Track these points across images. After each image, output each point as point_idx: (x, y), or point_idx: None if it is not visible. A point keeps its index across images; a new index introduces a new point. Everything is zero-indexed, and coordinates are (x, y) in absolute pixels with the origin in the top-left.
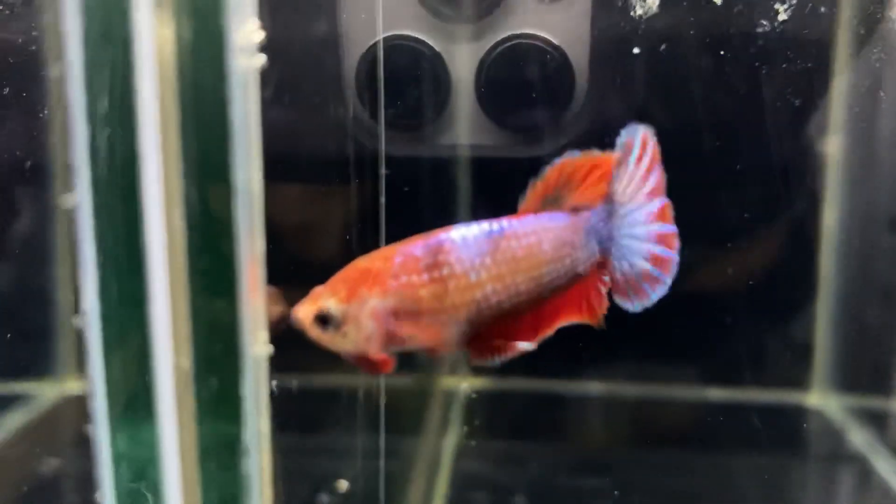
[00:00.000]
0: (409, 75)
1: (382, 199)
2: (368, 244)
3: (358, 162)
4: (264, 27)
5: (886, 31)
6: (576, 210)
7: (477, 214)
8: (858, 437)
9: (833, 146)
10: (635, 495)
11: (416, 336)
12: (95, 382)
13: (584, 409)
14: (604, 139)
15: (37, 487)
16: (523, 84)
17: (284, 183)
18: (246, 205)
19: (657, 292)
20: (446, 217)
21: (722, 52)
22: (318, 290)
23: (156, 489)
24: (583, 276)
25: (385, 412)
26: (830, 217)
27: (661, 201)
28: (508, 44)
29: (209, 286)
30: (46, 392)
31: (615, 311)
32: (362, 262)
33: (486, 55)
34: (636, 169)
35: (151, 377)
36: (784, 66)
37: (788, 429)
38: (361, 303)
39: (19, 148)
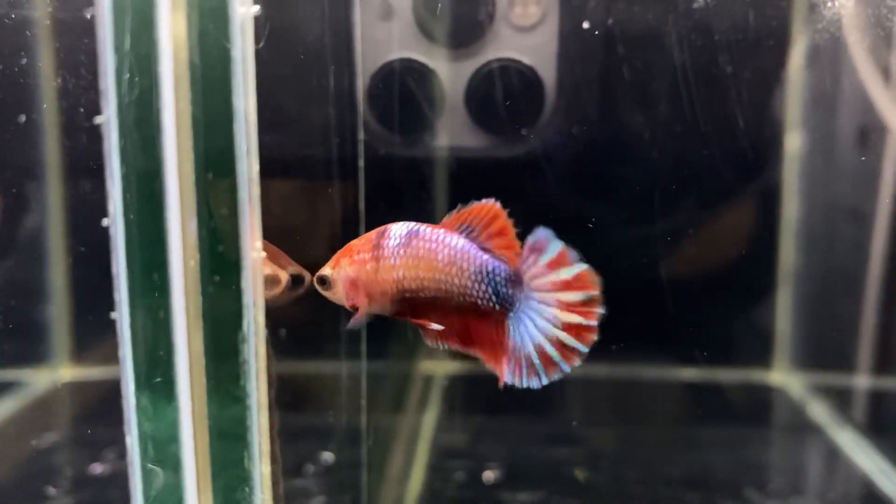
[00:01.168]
0: (411, 91)
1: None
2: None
3: (367, 163)
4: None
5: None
6: (485, 250)
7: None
8: (818, 412)
9: (792, 140)
10: (605, 463)
11: (364, 299)
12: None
13: (557, 391)
14: (567, 142)
15: (29, 470)
16: (504, 97)
17: (300, 182)
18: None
19: (526, 380)
20: (439, 204)
21: (679, 61)
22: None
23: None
24: (487, 316)
25: (368, 395)
26: (791, 209)
27: (570, 318)
28: (492, 65)
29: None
30: (40, 380)
31: None
32: (352, 241)
33: (474, 74)
34: (542, 267)
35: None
36: (742, 67)
37: (753, 405)
38: (339, 270)
39: (8, 143)
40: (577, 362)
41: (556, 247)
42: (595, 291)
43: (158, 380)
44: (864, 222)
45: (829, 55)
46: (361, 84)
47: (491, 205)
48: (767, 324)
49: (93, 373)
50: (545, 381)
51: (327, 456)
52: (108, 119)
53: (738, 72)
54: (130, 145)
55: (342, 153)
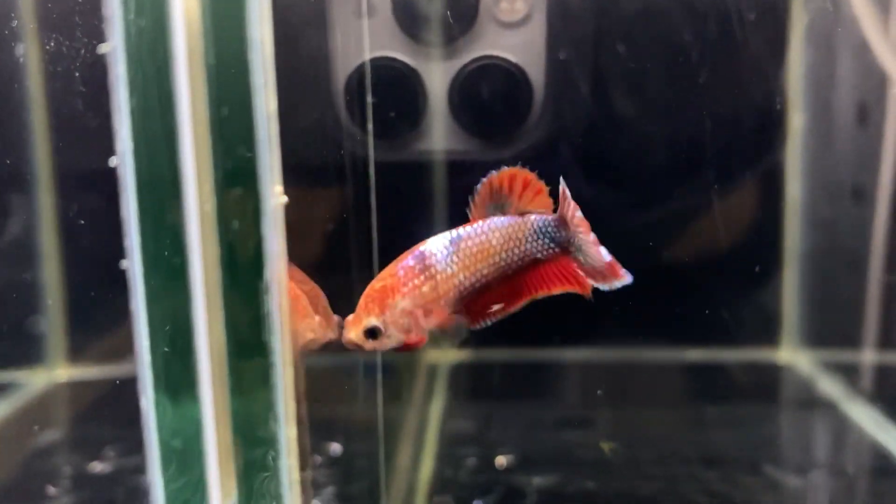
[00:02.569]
0: (391, 91)
1: (373, 198)
2: (361, 234)
3: (349, 166)
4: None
5: None
6: (522, 214)
7: (450, 209)
8: (828, 387)
9: (795, 120)
10: (619, 444)
11: (430, 320)
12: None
13: (567, 374)
14: (558, 143)
15: (28, 469)
16: (490, 98)
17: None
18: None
19: (618, 280)
20: (424, 211)
21: (675, 45)
22: (353, 316)
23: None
24: (548, 260)
25: (385, 384)
26: (795, 188)
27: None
28: (477, 63)
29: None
30: (36, 380)
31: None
32: (377, 284)
33: (457, 73)
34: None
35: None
36: (739, 48)
37: (763, 384)
38: (392, 310)
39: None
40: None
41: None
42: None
43: (170, 327)
44: (867, 199)
45: (826, 32)
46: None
47: (511, 171)
48: (774, 303)
49: (90, 373)
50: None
51: (335, 447)
52: (115, 48)
53: (735, 54)
54: (140, 77)
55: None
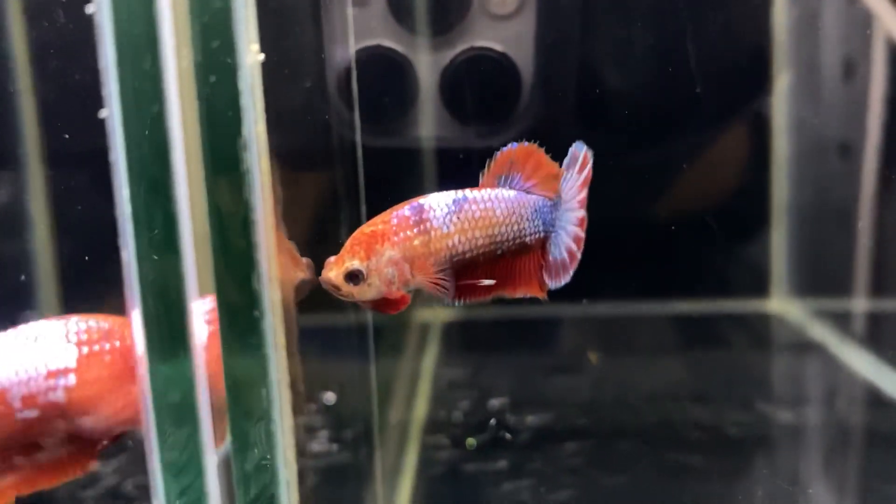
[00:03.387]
0: (385, 79)
1: (361, 181)
2: (351, 216)
3: (341, 151)
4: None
5: None
6: (527, 191)
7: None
8: (817, 332)
9: (781, 77)
10: (609, 386)
11: (415, 277)
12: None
13: (559, 328)
14: (546, 132)
15: None
16: (480, 87)
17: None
18: None
19: (563, 280)
20: (413, 195)
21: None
22: (336, 257)
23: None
24: (529, 248)
25: (377, 340)
26: (782, 144)
27: (583, 212)
28: (468, 54)
29: None
30: None
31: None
32: (367, 228)
33: (449, 63)
34: (576, 179)
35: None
36: (724, 10)
37: (754, 331)
38: (378, 257)
39: None
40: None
41: (581, 149)
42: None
43: (157, 232)
44: (854, 154)
45: None
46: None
47: (524, 147)
48: (763, 255)
49: None
50: (567, 278)
51: (329, 396)
52: None
53: (720, 16)
54: None
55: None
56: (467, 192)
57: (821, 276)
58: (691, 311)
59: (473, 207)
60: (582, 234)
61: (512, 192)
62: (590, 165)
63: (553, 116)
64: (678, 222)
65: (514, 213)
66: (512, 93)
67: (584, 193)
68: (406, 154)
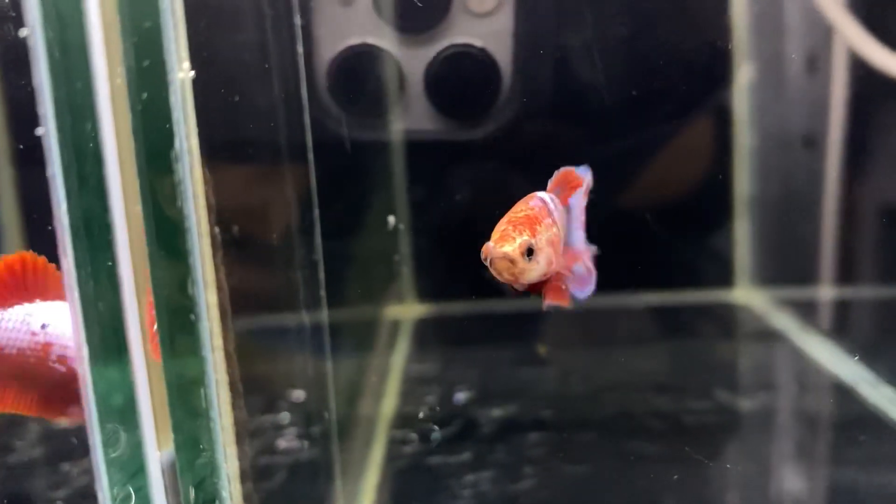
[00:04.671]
0: (370, 75)
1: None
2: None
3: (324, 143)
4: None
5: None
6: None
7: (419, 183)
8: (780, 321)
9: (743, 71)
10: (575, 378)
11: (556, 261)
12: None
13: (526, 320)
14: (523, 122)
15: None
16: (461, 82)
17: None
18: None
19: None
20: (398, 183)
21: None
22: (499, 236)
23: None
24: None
25: (339, 338)
26: (745, 137)
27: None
28: (450, 50)
29: None
30: None
31: None
32: (520, 212)
33: (432, 59)
34: (582, 200)
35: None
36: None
37: (718, 321)
38: (540, 237)
39: None
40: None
41: (568, 170)
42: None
43: (96, 240)
44: (818, 146)
45: None
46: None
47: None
48: (728, 246)
49: None
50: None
51: (298, 393)
52: None
53: (683, 12)
54: None
55: (290, 137)
56: (543, 194)
57: (784, 266)
58: (657, 302)
59: (557, 204)
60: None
61: (553, 199)
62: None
63: (530, 108)
64: (644, 214)
65: (562, 217)
66: (492, 86)
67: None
68: (390, 146)
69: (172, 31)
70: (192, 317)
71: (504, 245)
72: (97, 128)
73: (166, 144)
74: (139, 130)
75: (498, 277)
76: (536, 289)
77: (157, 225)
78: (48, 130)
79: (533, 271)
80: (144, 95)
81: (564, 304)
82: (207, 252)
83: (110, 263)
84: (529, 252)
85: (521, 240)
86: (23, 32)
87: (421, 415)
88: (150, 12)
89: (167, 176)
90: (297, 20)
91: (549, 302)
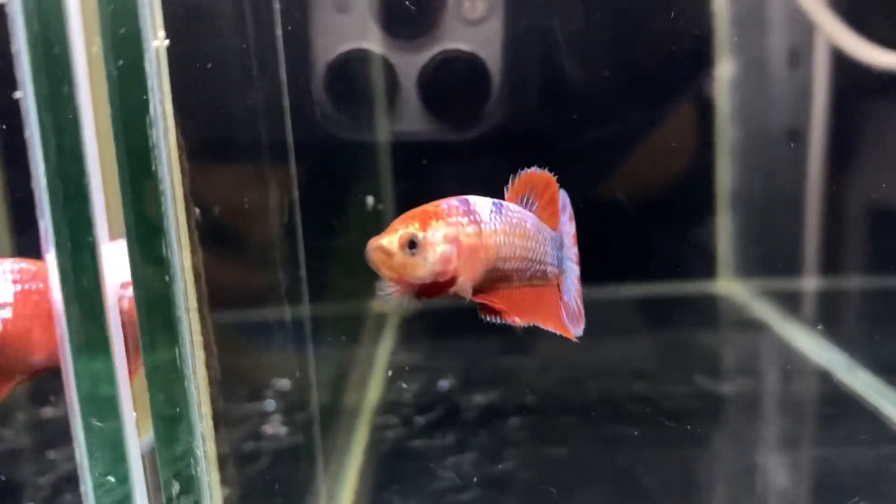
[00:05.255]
0: (367, 78)
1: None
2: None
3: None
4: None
5: None
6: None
7: (411, 182)
8: (761, 311)
9: (725, 67)
10: (557, 366)
11: (467, 271)
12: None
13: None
14: (513, 123)
15: None
16: (453, 85)
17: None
18: None
19: (578, 328)
20: (387, 182)
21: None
22: (386, 231)
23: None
24: (548, 281)
25: (323, 330)
26: (729, 132)
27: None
28: (443, 55)
29: None
30: None
31: None
32: (416, 210)
33: (426, 63)
34: (568, 225)
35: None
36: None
37: (700, 311)
38: (435, 231)
39: None
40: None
41: (567, 200)
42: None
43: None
44: (802, 140)
45: None
46: (317, 72)
47: (545, 175)
48: (710, 238)
49: None
50: (580, 330)
51: (283, 383)
52: None
53: (666, 12)
54: None
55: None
56: (500, 201)
57: (766, 257)
58: (640, 294)
59: (511, 213)
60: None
61: (531, 213)
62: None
63: (519, 109)
64: (627, 206)
65: (540, 232)
66: (482, 89)
67: (573, 230)
68: (384, 147)
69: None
70: (167, 279)
71: (379, 239)
72: (74, 93)
73: (141, 110)
74: (115, 95)
75: (380, 274)
76: (434, 293)
77: (133, 190)
78: (26, 94)
79: (419, 268)
80: (120, 62)
81: (570, 335)
82: (182, 216)
83: (91, 239)
84: (412, 245)
85: (404, 231)
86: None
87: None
88: None
89: (142, 140)
90: (277, 4)
91: (552, 328)
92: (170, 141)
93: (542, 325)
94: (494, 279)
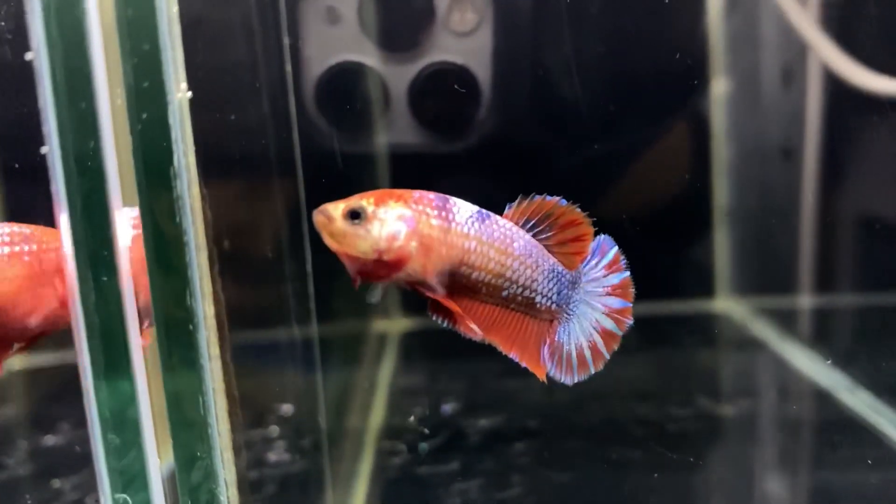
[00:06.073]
0: (358, 90)
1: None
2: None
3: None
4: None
5: None
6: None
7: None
8: (760, 329)
9: (719, 85)
10: (560, 387)
11: (419, 258)
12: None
13: None
14: (502, 135)
15: None
16: (443, 96)
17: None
18: None
19: (570, 378)
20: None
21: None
22: (347, 199)
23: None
24: (537, 312)
25: (326, 352)
26: (724, 150)
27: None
28: (433, 67)
29: None
30: None
31: None
32: (389, 190)
33: (416, 75)
34: (600, 269)
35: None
36: (662, 25)
37: (699, 330)
38: (388, 208)
39: None
40: (601, 366)
41: (613, 250)
42: (630, 302)
43: (91, 198)
44: (796, 158)
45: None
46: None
47: (576, 213)
48: (708, 257)
49: (46, 359)
50: (576, 380)
51: (287, 408)
52: None
53: (658, 29)
54: None
55: (280, 153)
56: (493, 214)
57: (763, 275)
58: (638, 313)
59: (495, 227)
60: (602, 346)
61: (530, 238)
62: (622, 264)
63: (508, 121)
64: (625, 225)
65: (531, 256)
66: (472, 101)
67: (615, 281)
68: (375, 159)
69: (170, 54)
70: (191, 328)
71: (326, 206)
72: (99, 146)
73: (165, 162)
74: (139, 149)
75: (325, 242)
76: (380, 275)
77: (156, 240)
78: (52, 149)
79: (360, 240)
80: (144, 115)
81: (538, 372)
82: (205, 265)
83: (110, 279)
84: (355, 215)
85: (350, 202)
86: (28, 56)
87: (412, 419)
88: (148, 36)
89: (166, 192)
90: (286, 40)
91: (519, 359)
92: (193, 191)
93: (505, 352)
94: (460, 285)
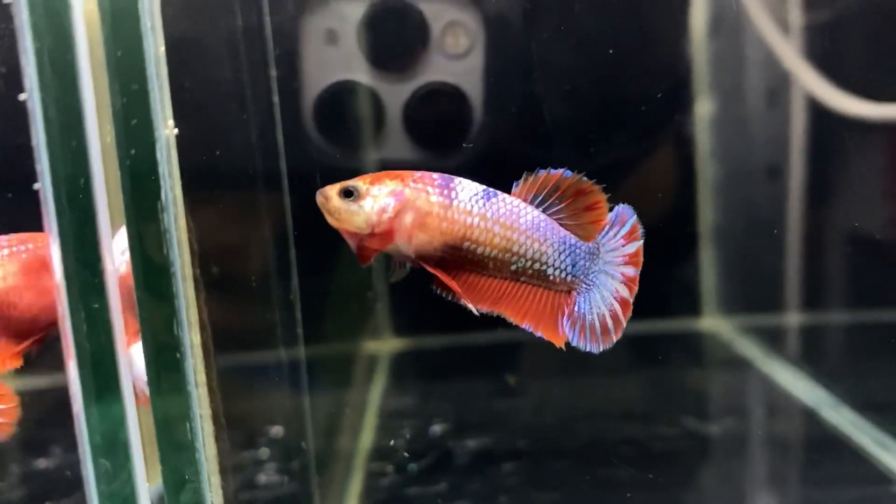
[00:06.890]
0: (354, 109)
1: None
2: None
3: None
4: None
5: None
6: (562, 224)
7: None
8: (746, 348)
9: (704, 106)
10: (548, 408)
11: (416, 233)
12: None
13: (499, 352)
14: (494, 153)
15: None
16: (437, 116)
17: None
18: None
19: (595, 346)
20: None
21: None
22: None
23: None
24: (552, 285)
25: (316, 373)
26: (709, 170)
27: (632, 270)
28: (427, 87)
29: None
30: None
31: None
32: (385, 171)
33: (411, 95)
34: (618, 239)
35: None
36: (648, 45)
37: (685, 349)
38: (382, 185)
39: None
40: (619, 335)
41: (632, 219)
42: (638, 270)
43: (88, 288)
44: (781, 177)
45: (731, 21)
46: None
47: (584, 183)
48: (694, 276)
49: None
50: (601, 349)
51: (276, 430)
52: (18, 1)
53: (644, 50)
54: (42, 24)
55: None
56: (500, 193)
57: (750, 294)
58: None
59: (501, 204)
60: (620, 314)
61: (539, 212)
62: (639, 233)
63: (500, 140)
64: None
65: (538, 230)
66: (465, 120)
67: (631, 249)
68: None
69: (157, 93)
70: (178, 355)
71: (325, 188)
72: (90, 182)
73: (153, 196)
74: (128, 184)
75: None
76: (376, 248)
77: (145, 271)
78: (44, 186)
79: (355, 216)
80: (133, 151)
81: (557, 342)
82: (191, 294)
83: (100, 307)
84: (348, 193)
85: (347, 182)
86: (21, 97)
87: (392, 443)
88: (136, 75)
89: (154, 226)
90: (273, 72)
91: (535, 330)
92: (180, 224)
93: (517, 323)
94: (467, 260)
